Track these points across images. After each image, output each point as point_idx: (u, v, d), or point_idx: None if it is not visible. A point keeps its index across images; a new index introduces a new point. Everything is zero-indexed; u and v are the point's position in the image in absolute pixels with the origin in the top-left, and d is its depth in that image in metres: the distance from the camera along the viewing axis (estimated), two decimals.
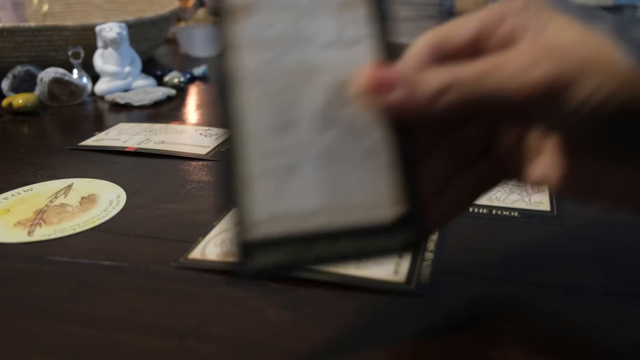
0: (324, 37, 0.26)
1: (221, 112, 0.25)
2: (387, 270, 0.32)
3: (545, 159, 0.28)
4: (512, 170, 0.29)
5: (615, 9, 1.17)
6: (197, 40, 0.96)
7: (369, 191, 0.25)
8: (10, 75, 0.68)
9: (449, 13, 1.10)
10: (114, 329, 0.27)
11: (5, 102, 0.65)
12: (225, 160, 0.24)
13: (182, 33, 0.97)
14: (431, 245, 0.34)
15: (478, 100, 0.23)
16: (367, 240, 0.25)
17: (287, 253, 0.24)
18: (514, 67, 0.23)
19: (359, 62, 0.26)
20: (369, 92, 0.25)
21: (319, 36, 0.26)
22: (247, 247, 0.24)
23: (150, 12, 0.86)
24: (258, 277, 0.25)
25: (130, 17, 0.78)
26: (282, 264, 0.24)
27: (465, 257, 0.33)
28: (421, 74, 0.24)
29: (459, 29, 0.26)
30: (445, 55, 0.26)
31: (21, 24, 0.71)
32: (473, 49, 0.26)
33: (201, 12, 1.09)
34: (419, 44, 0.26)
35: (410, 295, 0.30)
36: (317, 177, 0.25)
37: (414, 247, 0.25)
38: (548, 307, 0.29)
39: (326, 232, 0.25)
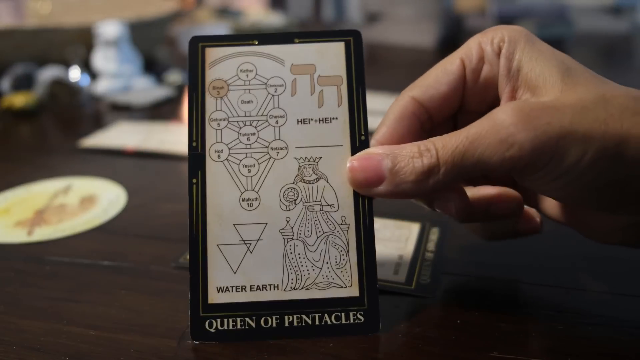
0: (298, 114, 0.27)
1: (191, 186, 0.27)
2: (387, 270, 0.32)
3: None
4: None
5: (615, 11, 1.17)
6: None
7: (324, 270, 0.26)
8: (10, 75, 0.68)
9: (448, 13, 1.10)
10: (114, 329, 0.27)
11: (5, 102, 0.65)
12: (191, 230, 0.26)
13: (182, 33, 0.97)
14: (431, 245, 0.34)
15: (462, 174, 0.24)
16: (322, 314, 0.26)
17: (242, 322, 0.26)
18: (493, 140, 0.22)
19: (332, 138, 0.27)
20: (356, 186, 0.26)
21: (293, 113, 0.27)
22: (204, 313, 0.26)
23: (150, 12, 0.86)
24: (212, 340, 0.26)
25: (130, 17, 0.78)
26: (234, 334, 0.26)
27: (465, 257, 0.33)
28: (402, 163, 0.24)
29: (437, 85, 0.27)
30: (427, 116, 0.27)
31: (21, 24, 0.71)
32: (454, 99, 0.27)
33: (201, 12, 1.09)
34: (396, 111, 0.27)
35: (410, 295, 0.30)
36: (276, 253, 0.26)
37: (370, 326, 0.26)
38: (548, 307, 0.29)
39: (282, 305, 0.26)
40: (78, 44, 0.72)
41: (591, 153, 0.22)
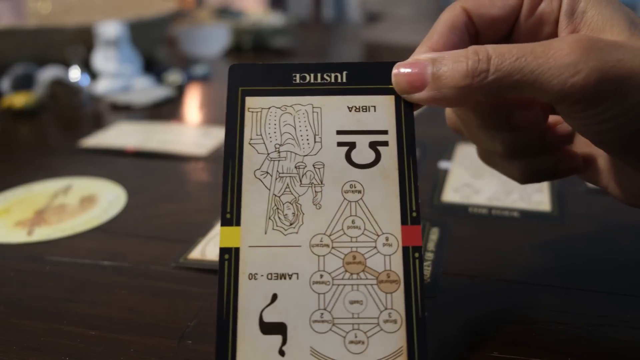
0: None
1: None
2: None
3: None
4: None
5: None
6: (197, 40, 0.96)
7: None
8: (10, 75, 0.68)
9: None
10: (114, 329, 0.27)
11: (5, 102, 0.65)
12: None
13: (182, 33, 0.97)
14: (431, 245, 0.34)
15: (509, 88, 0.22)
16: None
17: None
18: (559, 62, 0.21)
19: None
20: (399, 90, 0.25)
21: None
22: None
23: (150, 12, 0.86)
24: None
25: (130, 17, 0.78)
26: None
27: (465, 257, 0.33)
28: (446, 66, 0.23)
29: (490, 5, 0.25)
30: (474, 32, 0.26)
31: (21, 24, 0.71)
32: (504, 26, 0.26)
33: (201, 12, 1.09)
34: (448, 20, 0.25)
35: None
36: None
37: None
38: (548, 307, 0.29)
39: None
40: (78, 44, 0.72)
41: None
